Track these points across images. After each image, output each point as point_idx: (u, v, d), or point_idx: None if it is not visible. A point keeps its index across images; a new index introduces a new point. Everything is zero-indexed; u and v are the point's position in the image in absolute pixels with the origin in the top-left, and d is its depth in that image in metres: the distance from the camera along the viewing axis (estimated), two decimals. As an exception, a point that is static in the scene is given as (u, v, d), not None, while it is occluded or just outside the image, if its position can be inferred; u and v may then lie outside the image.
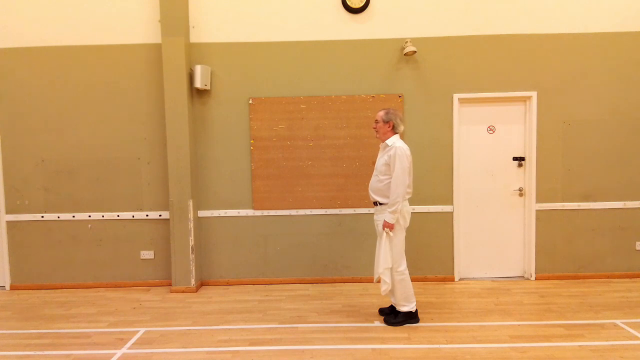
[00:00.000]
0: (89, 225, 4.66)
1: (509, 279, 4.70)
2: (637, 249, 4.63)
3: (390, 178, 3.42)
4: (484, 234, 4.70)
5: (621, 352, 3.02)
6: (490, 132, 4.65)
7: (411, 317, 3.59)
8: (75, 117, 4.58)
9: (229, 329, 3.55)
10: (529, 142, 4.59)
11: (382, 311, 3.78)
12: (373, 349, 3.13)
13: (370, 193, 3.60)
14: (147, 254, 4.68)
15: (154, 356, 3.12)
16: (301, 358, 3.03)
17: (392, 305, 3.69)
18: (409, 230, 4.62)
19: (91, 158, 4.61)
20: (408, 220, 3.58)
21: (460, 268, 4.69)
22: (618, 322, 3.53)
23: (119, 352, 3.17)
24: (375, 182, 3.55)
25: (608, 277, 4.63)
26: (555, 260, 4.64)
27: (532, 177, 4.57)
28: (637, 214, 4.61)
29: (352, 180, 4.59)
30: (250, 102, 4.57)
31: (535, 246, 4.62)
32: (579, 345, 3.12)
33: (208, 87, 4.50)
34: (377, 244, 3.60)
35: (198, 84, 4.41)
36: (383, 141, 3.56)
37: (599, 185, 4.59)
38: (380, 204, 3.52)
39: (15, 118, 4.57)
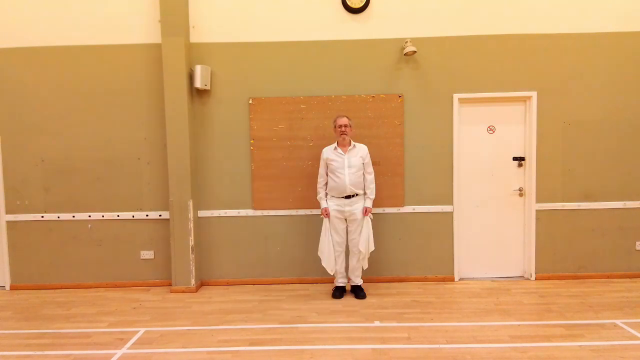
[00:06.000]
0: (89, 225, 4.66)
1: (509, 279, 4.70)
2: (637, 249, 4.63)
3: (360, 171, 4.07)
4: (484, 234, 4.70)
5: (621, 352, 3.02)
6: (490, 132, 4.65)
7: None
8: (75, 117, 4.58)
9: (229, 329, 3.55)
10: (529, 142, 4.59)
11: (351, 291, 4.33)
12: (373, 349, 3.13)
13: (351, 187, 4.06)
14: (147, 254, 4.68)
15: (154, 356, 3.11)
16: (301, 358, 3.03)
17: (354, 285, 4.27)
18: (409, 230, 4.65)
19: (91, 158, 4.61)
20: None
21: (460, 268, 4.69)
22: (618, 322, 3.52)
23: (119, 352, 3.17)
24: (356, 177, 4.07)
25: (608, 277, 4.63)
26: (555, 260, 4.64)
27: (532, 177, 4.57)
28: (637, 214, 4.61)
29: (352, 180, 4.59)
30: (250, 102, 4.57)
31: (535, 246, 4.62)
32: (579, 345, 3.12)
33: (208, 87, 4.50)
34: (337, 231, 4.13)
35: (198, 84, 4.41)
36: (348, 142, 4.12)
37: (599, 185, 4.59)
38: (357, 194, 4.09)
39: (15, 118, 4.57)
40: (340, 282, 4.26)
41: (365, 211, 4.09)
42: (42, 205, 4.63)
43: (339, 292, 4.23)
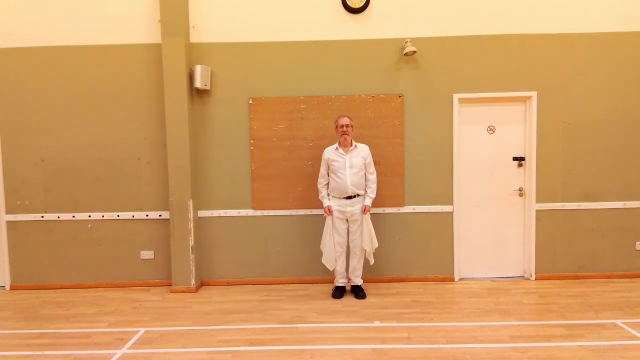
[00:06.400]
0: (89, 225, 4.66)
1: (509, 279, 4.70)
2: (637, 249, 4.63)
3: (362, 172, 4.08)
4: (484, 234, 4.70)
5: (621, 352, 3.02)
6: (490, 132, 4.65)
7: None
8: (75, 117, 4.58)
9: (229, 329, 3.55)
10: (529, 142, 4.59)
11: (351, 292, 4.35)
12: (373, 349, 3.13)
13: (352, 188, 4.06)
14: (147, 254, 4.68)
15: (154, 356, 3.11)
16: (301, 358, 3.03)
17: (354, 285, 4.28)
18: (409, 230, 4.65)
19: (91, 158, 4.61)
20: None
21: (460, 268, 4.69)
22: (618, 322, 3.53)
23: (119, 352, 3.17)
24: (357, 178, 4.08)
25: (608, 277, 4.63)
26: (555, 260, 4.64)
27: (532, 177, 4.57)
28: (637, 214, 4.61)
29: (352, 180, 4.59)
30: (250, 102, 4.57)
31: (535, 246, 4.62)
32: (579, 345, 3.12)
33: (208, 87, 4.50)
34: (339, 231, 4.14)
35: (198, 84, 4.41)
36: (350, 143, 4.11)
37: (599, 185, 4.59)
38: (358, 195, 4.10)
39: (15, 118, 4.57)
40: (341, 282, 4.26)
41: (364, 209, 4.09)
42: (42, 205, 4.63)
43: (339, 292, 4.23)
